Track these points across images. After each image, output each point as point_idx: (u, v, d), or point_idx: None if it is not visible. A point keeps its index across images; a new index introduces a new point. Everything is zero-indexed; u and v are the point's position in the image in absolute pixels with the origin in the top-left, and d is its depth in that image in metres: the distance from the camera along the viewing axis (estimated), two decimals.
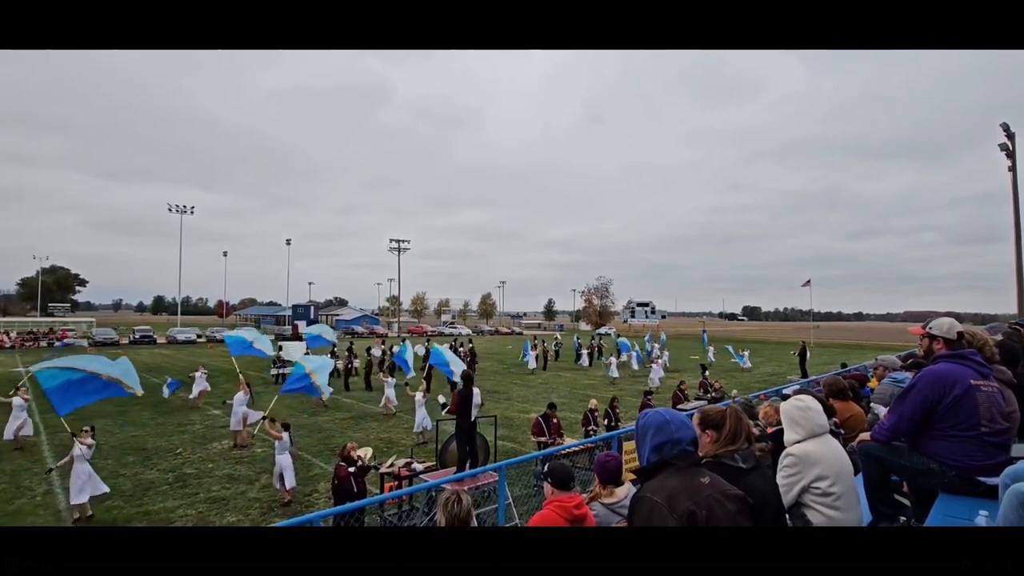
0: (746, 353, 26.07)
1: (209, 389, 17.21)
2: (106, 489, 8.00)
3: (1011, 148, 18.97)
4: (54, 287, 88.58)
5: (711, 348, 28.81)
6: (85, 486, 7.66)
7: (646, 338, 31.33)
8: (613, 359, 24.49)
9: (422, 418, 12.41)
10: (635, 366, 25.69)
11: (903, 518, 2.90)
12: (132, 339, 48.03)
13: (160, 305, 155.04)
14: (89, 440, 8.02)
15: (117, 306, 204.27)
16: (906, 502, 3.12)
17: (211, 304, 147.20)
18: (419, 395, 12.68)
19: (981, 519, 2.00)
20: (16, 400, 11.74)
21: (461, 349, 27.86)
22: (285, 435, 8.48)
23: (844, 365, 14.83)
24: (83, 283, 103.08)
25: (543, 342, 31.93)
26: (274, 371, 22.03)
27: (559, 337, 38.85)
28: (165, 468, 10.23)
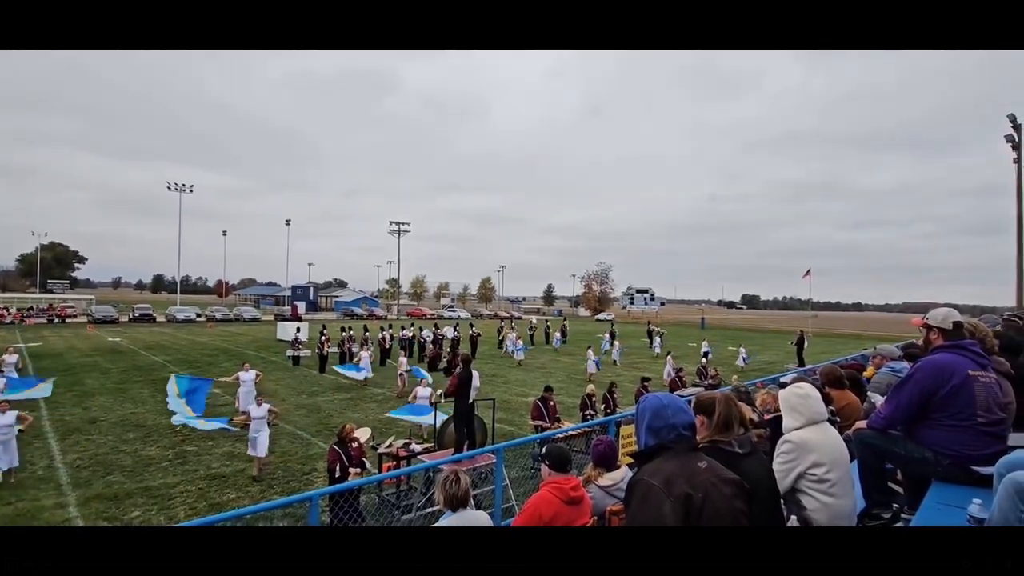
0: (742, 349, 25.95)
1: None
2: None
3: (1017, 140, 18.82)
4: (53, 264, 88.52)
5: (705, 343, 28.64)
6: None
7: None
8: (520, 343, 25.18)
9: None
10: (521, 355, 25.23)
11: (896, 505, 2.93)
12: (132, 317, 48.12)
13: (160, 284, 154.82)
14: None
15: (116, 284, 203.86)
16: (899, 490, 3.16)
17: (211, 284, 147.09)
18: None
19: (974, 507, 2.01)
20: (7, 358, 14.60)
21: (457, 332, 27.99)
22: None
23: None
24: (82, 260, 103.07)
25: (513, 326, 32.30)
26: (290, 352, 22.11)
27: (534, 321, 39.55)
28: (165, 445, 10.32)
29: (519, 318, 56.34)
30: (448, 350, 23.98)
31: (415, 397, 10.83)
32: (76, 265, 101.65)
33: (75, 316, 47.71)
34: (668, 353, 19.85)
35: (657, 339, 31.32)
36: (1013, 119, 18.89)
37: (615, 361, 24.58)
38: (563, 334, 32.63)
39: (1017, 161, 18.86)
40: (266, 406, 9.25)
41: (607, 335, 29.99)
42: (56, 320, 44.83)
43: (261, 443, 8.79)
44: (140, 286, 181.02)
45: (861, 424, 3.11)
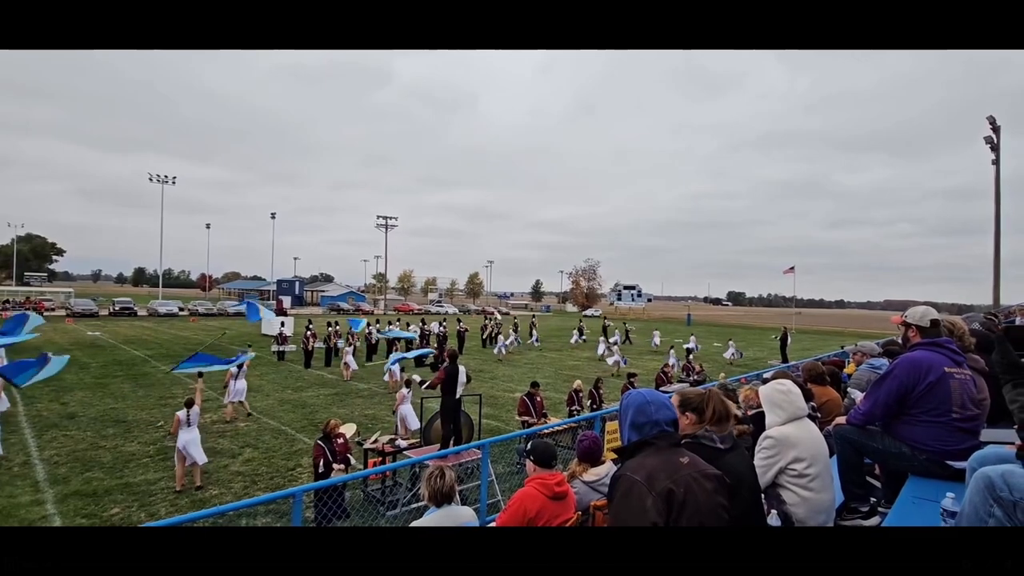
0: (731, 343, 26.38)
1: None
2: None
3: (995, 141, 19.21)
4: (30, 256, 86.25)
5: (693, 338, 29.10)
6: None
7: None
8: (503, 339, 25.71)
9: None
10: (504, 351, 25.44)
11: (874, 499, 2.99)
12: (112, 311, 47.16)
13: (141, 277, 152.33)
14: None
15: (96, 277, 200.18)
16: (877, 484, 3.22)
17: (194, 277, 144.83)
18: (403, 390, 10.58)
19: (948, 501, 2.06)
20: None
21: (443, 328, 27.92)
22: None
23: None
24: (60, 252, 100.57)
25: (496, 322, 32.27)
26: (276, 348, 21.87)
27: (498, 316, 39.64)
28: (146, 440, 10.16)
29: (492, 313, 55.61)
30: (435, 345, 23.93)
31: (402, 397, 10.67)
32: (54, 257, 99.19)
33: (53, 309, 46.61)
34: (671, 347, 20.42)
35: (656, 333, 31.74)
36: (992, 121, 19.27)
37: (601, 356, 24.81)
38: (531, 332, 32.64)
39: (995, 162, 19.27)
40: (197, 408, 8.22)
41: (617, 332, 30.36)
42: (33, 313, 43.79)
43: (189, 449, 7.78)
44: (121, 279, 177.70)
45: (841, 420, 3.16)
